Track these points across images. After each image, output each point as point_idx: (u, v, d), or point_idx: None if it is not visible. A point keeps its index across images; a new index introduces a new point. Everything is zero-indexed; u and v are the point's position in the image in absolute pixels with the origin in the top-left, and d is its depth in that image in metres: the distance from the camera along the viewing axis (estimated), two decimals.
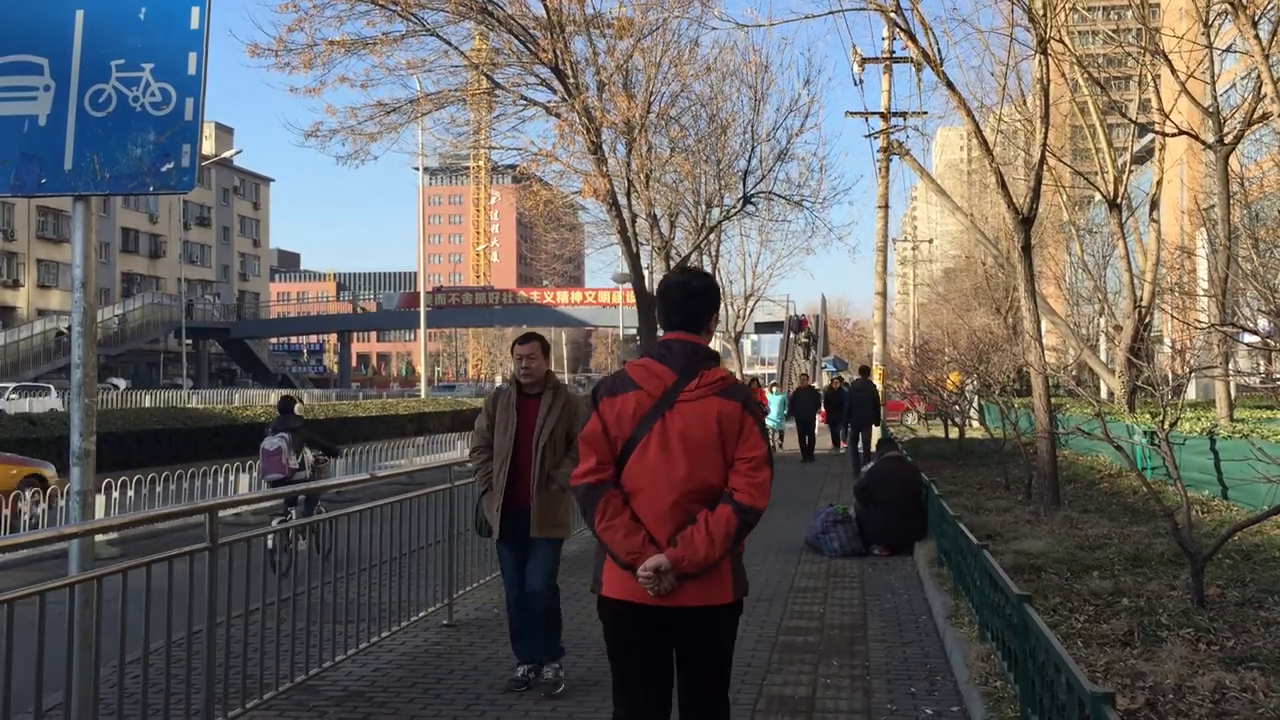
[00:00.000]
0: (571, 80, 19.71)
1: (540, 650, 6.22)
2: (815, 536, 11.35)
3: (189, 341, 69.88)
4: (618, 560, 3.64)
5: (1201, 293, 17.41)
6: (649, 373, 3.74)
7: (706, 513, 3.60)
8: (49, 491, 12.44)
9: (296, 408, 11.83)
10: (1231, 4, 14.14)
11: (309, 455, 11.64)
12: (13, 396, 39.47)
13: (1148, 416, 14.50)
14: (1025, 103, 19.20)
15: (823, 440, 27.93)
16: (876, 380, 25.27)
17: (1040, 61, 12.44)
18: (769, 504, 3.78)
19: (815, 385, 31.22)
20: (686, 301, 3.85)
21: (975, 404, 26.95)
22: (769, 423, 13.47)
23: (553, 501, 6.15)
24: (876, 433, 21.63)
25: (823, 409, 27.11)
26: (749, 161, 24.42)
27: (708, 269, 33.21)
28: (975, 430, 26.04)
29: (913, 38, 12.63)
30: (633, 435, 3.68)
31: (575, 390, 7.25)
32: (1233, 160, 17.68)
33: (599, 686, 6.28)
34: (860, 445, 21.07)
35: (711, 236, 28.54)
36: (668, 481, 3.62)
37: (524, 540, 6.16)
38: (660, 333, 3.97)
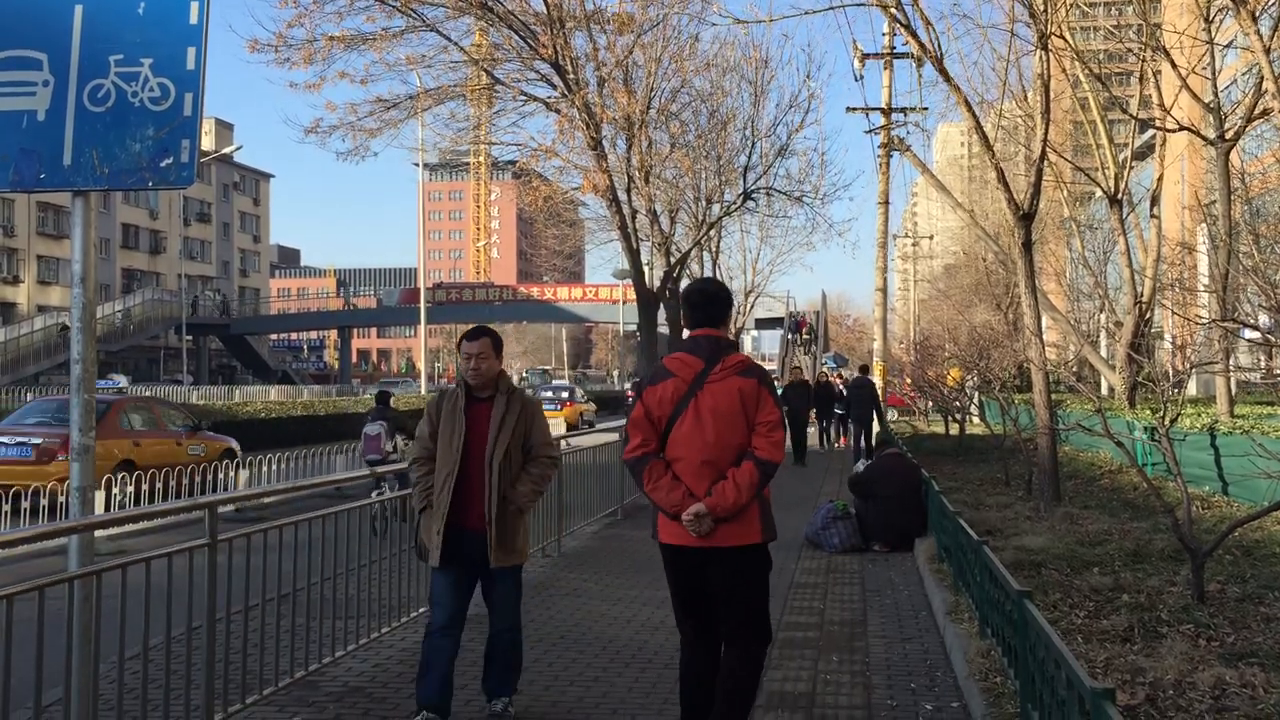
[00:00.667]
0: (571, 76, 19.70)
1: (495, 683, 5.64)
2: (815, 533, 11.35)
3: (189, 338, 69.90)
4: (665, 513, 4.57)
5: (1202, 288, 17.40)
6: (682, 363, 4.67)
7: (734, 468, 4.49)
8: (236, 461, 15.91)
9: (391, 400, 14.58)
10: None
11: (399, 440, 13.55)
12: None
13: (1148, 412, 14.49)
14: (1026, 98, 19.18)
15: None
16: (877, 377, 25.76)
17: (1041, 57, 12.42)
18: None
19: (808, 379, 30.64)
20: (707, 304, 4.81)
21: (976, 400, 26.95)
22: None
23: (511, 525, 5.44)
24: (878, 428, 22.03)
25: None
26: (749, 157, 24.43)
27: (708, 265, 33.35)
28: (975, 426, 26.04)
29: (913, 33, 12.61)
30: (672, 413, 4.59)
31: (534, 392, 5.57)
32: (1234, 156, 17.65)
33: (598, 682, 6.28)
34: (862, 441, 21.68)
35: (712, 232, 28.53)
36: (702, 445, 4.53)
37: (470, 568, 5.44)
38: (685, 332, 4.89)
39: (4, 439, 15.40)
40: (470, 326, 5.59)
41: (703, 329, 4.74)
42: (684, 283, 27.58)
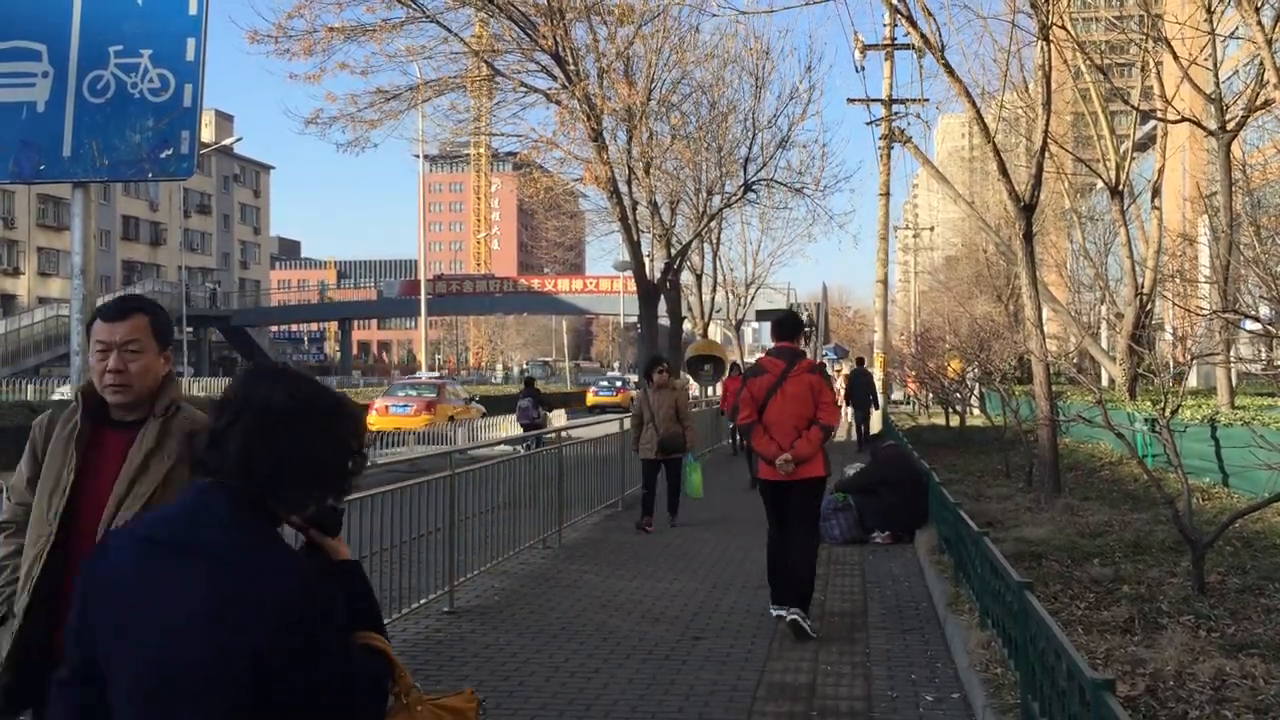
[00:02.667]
0: (572, 67, 19.66)
1: None
2: None
3: (190, 329, 69.89)
4: (765, 459, 7.37)
5: (1203, 280, 17.38)
6: (771, 363, 7.52)
7: (806, 430, 7.26)
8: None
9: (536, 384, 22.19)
10: None
11: (542, 411, 20.63)
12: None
13: (1149, 404, 14.49)
14: (1027, 89, 19.13)
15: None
16: (878, 368, 27.52)
17: (1042, 48, 12.39)
18: None
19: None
20: (785, 325, 7.71)
21: (976, 392, 26.99)
22: None
23: None
24: (875, 416, 23.68)
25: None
26: (750, 149, 24.39)
27: (708, 256, 33.34)
28: (976, 418, 26.05)
29: (914, 24, 12.58)
30: (766, 396, 7.36)
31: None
32: (1235, 147, 17.61)
33: (599, 674, 6.29)
34: (861, 427, 23.72)
35: (712, 224, 28.49)
36: (786, 416, 7.29)
37: None
38: (772, 342, 7.85)
39: (395, 403, 27.80)
40: (113, 299, 3.21)
41: (784, 342, 7.63)
42: (684, 274, 27.89)
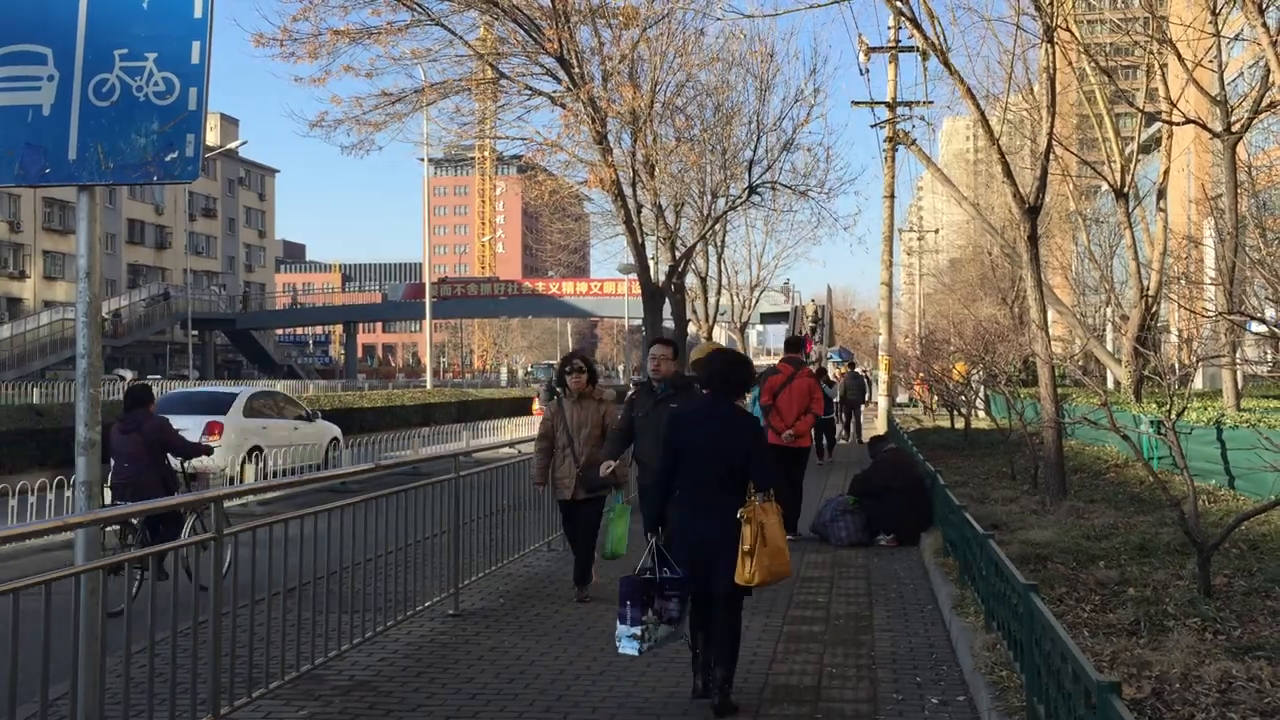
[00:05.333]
0: (577, 70, 19.65)
1: None
2: (823, 525, 11.33)
3: (195, 332, 69.98)
4: (775, 431, 10.97)
5: (1208, 282, 17.34)
6: (783, 367, 11.65)
7: (803, 415, 11.31)
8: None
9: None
10: None
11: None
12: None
13: (1154, 406, 14.45)
14: (1032, 91, 19.12)
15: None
16: (882, 370, 29.38)
17: (1047, 50, 12.38)
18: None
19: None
20: (792, 345, 12.59)
21: (981, 394, 27.01)
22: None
23: None
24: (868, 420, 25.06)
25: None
26: (754, 151, 24.33)
27: (713, 259, 33.39)
28: (981, 420, 26.01)
29: (918, 26, 12.57)
30: (778, 389, 11.32)
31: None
32: (1240, 149, 17.58)
33: (604, 675, 6.28)
34: (852, 427, 26.69)
35: (717, 227, 28.47)
36: (791, 405, 11.28)
37: None
38: (784, 353, 12.67)
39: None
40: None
41: (791, 353, 11.97)
42: (689, 277, 28.07)
